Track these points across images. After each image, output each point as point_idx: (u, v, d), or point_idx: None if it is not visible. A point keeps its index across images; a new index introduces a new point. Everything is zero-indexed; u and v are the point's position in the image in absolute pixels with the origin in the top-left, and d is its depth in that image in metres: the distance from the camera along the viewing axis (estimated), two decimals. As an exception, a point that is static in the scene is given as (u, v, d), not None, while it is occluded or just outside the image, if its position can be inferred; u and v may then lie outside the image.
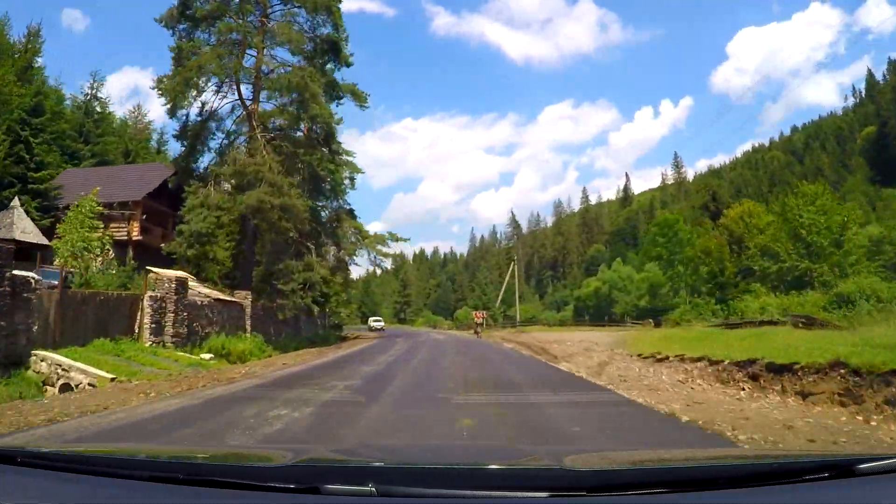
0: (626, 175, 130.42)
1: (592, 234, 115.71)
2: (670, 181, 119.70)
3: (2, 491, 1.44)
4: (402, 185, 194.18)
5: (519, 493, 1.43)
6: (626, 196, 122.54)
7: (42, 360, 11.69)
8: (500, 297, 65.99)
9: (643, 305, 63.87)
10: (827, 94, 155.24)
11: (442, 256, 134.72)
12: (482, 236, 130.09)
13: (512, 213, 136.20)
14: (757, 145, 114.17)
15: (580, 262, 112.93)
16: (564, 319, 79.33)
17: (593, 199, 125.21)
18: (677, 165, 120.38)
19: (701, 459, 2.24)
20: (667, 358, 13.62)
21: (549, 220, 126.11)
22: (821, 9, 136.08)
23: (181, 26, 26.02)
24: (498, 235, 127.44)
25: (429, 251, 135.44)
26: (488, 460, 1.96)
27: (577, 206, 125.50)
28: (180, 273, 19.12)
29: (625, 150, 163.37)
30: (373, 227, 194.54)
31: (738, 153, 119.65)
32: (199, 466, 1.68)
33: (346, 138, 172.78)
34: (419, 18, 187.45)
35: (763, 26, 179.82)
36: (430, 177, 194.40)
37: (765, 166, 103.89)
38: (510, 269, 68.71)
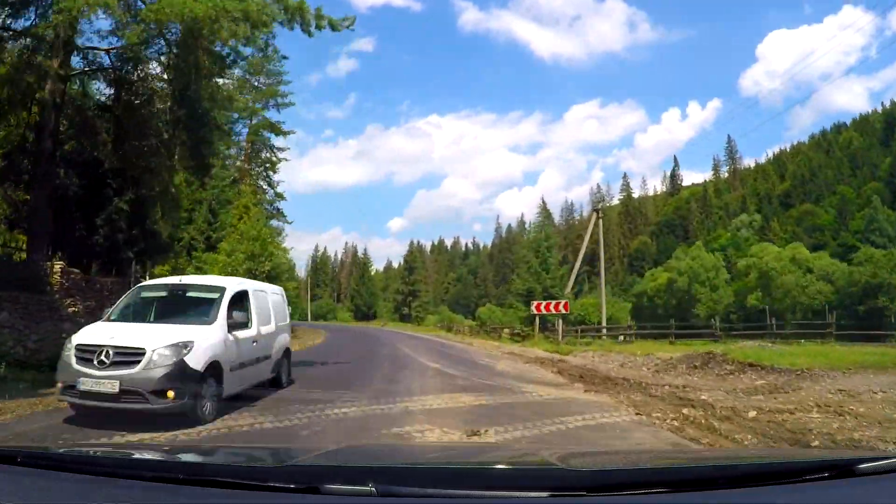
0: (675, 159, 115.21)
1: (636, 225, 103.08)
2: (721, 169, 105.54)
3: (2, 491, 1.45)
4: (425, 182, 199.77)
5: (519, 493, 1.44)
6: (673, 184, 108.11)
7: None
8: (570, 283, 38.84)
9: (752, 304, 47.82)
10: (856, 98, 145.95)
11: (463, 248, 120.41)
12: (509, 224, 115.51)
13: (542, 200, 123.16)
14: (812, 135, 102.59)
15: (621, 257, 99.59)
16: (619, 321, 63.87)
17: (635, 188, 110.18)
18: (731, 152, 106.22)
19: (701, 459, 2.31)
20: None
21: (585, 212, 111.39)
22: (853, 12, 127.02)
23: None
24: (527, 226, 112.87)
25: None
26: (488, 460, 1.97)
27: (614, 196, 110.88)
28: None
29: (651, 152, 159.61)
30: (394, 224, 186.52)
31: (768, 154, 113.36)
32: (199, 466, 1.70)
33: (371, 133, 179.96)
34: (447, 14, 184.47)
35: (794, 29, 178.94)
36: (454, 174, 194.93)
37: (841, 148, 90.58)
38: (590, 228, 39.81)
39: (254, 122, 41.56)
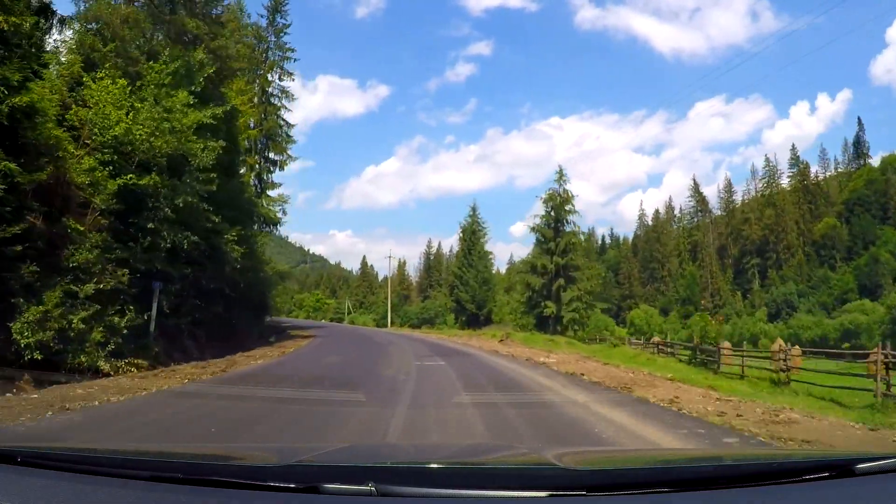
0: (859, 121, 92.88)
1: (816, 206, 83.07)
2: None
3: (2, 491, 1.47)
4: (548, 185, 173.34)
5: (519, 493, 1.44)
6: (858, 152, 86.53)
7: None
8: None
9: None
10: None
11: (599, 240, 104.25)
12: (657, 210, 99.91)
13: (694, 180, 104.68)
14: None
15: (803, 245, 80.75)
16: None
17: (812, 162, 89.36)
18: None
19: (701, 459, 2.34)
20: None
21: (749, 191, 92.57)
22: None
23: None
24: (676, 212, 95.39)
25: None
26: (488, 460, 2.00)
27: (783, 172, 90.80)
28: None
29: (780, 148, 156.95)
30: (517, 230, 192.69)
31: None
32: (199, 466, 1.71)
33: (491, 137, 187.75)
34: (563, 12, 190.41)
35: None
36: (576, 177, 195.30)
37: None
38: None
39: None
